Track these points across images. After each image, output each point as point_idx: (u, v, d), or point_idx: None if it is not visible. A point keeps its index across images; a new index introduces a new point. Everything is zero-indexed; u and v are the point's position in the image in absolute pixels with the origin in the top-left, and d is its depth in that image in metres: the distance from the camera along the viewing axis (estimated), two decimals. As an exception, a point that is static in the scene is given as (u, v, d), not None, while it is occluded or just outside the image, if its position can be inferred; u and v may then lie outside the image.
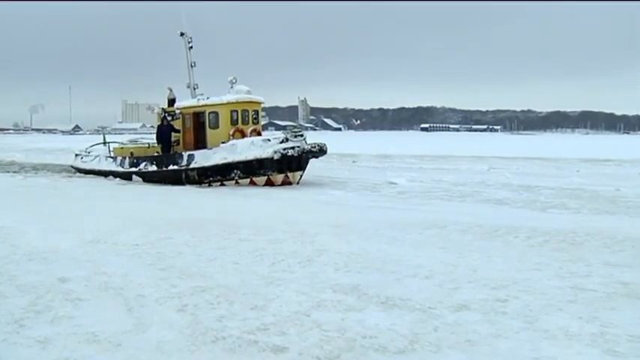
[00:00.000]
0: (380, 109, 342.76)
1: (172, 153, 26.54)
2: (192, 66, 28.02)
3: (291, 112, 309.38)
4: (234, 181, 24.16)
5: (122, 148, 30.86)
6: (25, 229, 12.45)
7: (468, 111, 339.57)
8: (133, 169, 26.94)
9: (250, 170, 23.90)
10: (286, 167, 23.85)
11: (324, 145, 24.74)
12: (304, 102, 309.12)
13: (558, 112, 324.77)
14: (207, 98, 26.51)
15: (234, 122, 25.90)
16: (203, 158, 24.61)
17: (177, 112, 27.39)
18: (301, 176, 24.48)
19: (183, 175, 25.00)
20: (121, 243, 10.89)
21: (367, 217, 14.55)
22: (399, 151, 57.70)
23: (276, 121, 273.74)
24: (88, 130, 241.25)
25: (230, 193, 21.39)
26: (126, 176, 26.92)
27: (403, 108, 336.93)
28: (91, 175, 29.20)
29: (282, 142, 23.72)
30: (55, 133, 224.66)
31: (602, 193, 20.72)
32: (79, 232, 12.01)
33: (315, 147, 24.28)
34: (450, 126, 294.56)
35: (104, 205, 17.38)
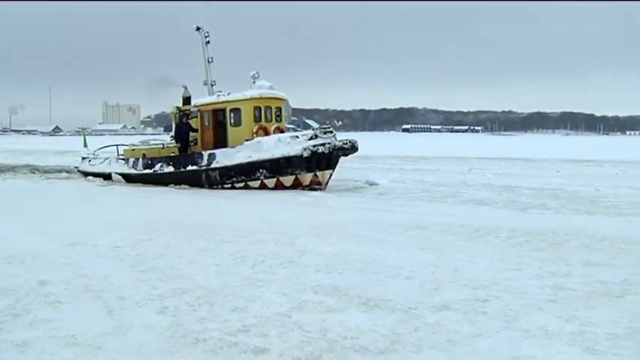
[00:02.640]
0: (361, 110, 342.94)
1: (191, 153, 25.00)
2: (209, 61, 26.62)
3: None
4: (259, 182, 22.51)
5: (133, 149, 28.88)
6: (4, 232, 12.35)
7: (450, 112, 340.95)
8: (148, 171, 25.40)
9: (277, 169, 22.17)
10: (315, 166, 22.06)
11: (356, 141, 23.11)
12: (286, 103, 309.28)
13: (539, 112, 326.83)
14: (228, 94, 25.07)
15: (257, 119, 24.36)
16: (225, 157, 23.02)
17: (195, 109, 25.71)
18: (331, 175, 22.82)
19: (204, 176, 23.45)
20: (102, 245, 10.82)
21: (348, 218, 14.57)
22: (381, 152, 57.77)
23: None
24: (68, 132, 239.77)
25: (211, 194, 21.28)
26: (140, 179, 25.49)
27: (385, 109, 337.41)
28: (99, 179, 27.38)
29: (311, 138, 21.99)
30: (35, 134, 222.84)
31: (582, 194, 20.87)
32: (58, 234, 11.92)
33: (346, 143, 22.55)
34: (432, 127, 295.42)
35: (85, 208, 17.27)
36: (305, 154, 21.43)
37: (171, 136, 28.08)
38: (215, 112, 25.38)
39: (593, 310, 6.90)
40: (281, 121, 25.47)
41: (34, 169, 34.88)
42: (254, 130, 23.68)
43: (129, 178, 26.00)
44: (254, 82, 24.90)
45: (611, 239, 11.39)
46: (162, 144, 28.24)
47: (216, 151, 23.42)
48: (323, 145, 21.56)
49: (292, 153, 21.65)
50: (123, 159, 27.83)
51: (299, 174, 22.10)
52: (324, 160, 22.03)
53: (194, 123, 25.61)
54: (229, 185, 22.87)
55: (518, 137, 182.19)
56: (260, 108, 24.51)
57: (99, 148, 31.38)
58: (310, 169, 22.01)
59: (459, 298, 7.42)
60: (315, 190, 21.85)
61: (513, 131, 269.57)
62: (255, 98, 24.38)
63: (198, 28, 26.50)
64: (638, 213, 16.01)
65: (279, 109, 25.43)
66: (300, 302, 7.24)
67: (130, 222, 13.61)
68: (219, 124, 25.23)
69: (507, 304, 7.13)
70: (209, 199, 19.85)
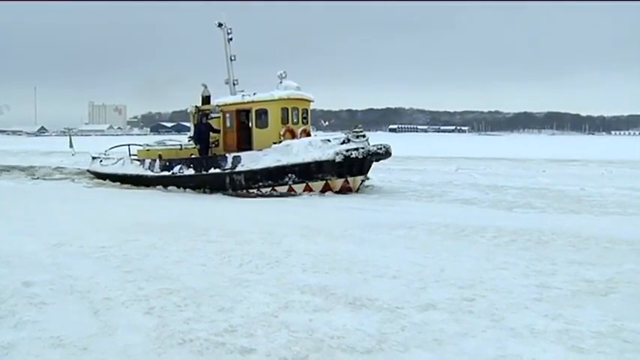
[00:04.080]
0: (348, 111, 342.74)
1: (213, 155, 23.70)
2: (231, 59, 25.30)
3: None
4: (287, 187, 21.40)
5: (148, 150, 27.37)
6: (-11, 233, 12.24)
7: (436, 112, 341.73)
8: (166, 173, 23.97)
9: (307, 174, 21.12)
10: (347, 171, 21.11)
11: (390, 146, 22.04)
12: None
13: (525, 113, 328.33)
14: (254, 94, 23.76)
15: (284, 121, 23.26)
16: (251, 161, 21.79)
17: (217, 109, 24.49)
18: (362, 182, 22.02)
19: (227, 180, 22.17)
20: (87, 246, 10.76)
21: (335, 218, 14.58)
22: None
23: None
24: (54, 132, 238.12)
25: (197, 195, 21.23)
26: (157, 181, 24.08)
27: (372, 109, 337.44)
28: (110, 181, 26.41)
29: (343, 142, 21.20)
30: (20, 134, 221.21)
31: (568, 193, 20.99)
32: (44, 235, 11.85)
33: (381, 148, 21.49)
34: (419, 127, 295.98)
35: (71, 208, 17.18)
36: (337, 159, 20.61)
37: (190, 137, 26.72)
38: (239, 112, 24.19)
39: (579, 309, 6.95)
40: (307, 123, 24.58)
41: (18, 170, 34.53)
42: (281, 133, 22.77)
43: (145, 181, 24.67)
44: (281, 82, 23.84)
45: (596, 238, 11.46)
46: (180, 145, 26.70)
47: (242, 154, 22.32)
48: (356, 149, 20.81)
49: (324, 157, 20.79)
50: (138, 160, 26.51)
51: (330, 179, 21.19)
52: (356, 166, 21.22)
53: (215, 123, 24.48)
54: (255, 190, 21.84)
55: (505, 137, 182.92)
56: (287, 109, 23.53)
57: (110, 148, 30.03)
58: (341, 174, 21.15)
59: (446, 297, 7.44)
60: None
61: (500, 131, 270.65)
62: (284, 99, 23.35)
63: (220, 25, 25.28)
64: (623, 212, 16.15)
65: (305, 110, 24.49)
66: (286, 302, 7.24)
67: (116, 222, 13.55)
68: (242, 126, 24.22)
69: (493, 303, 7.16)
70: (196, 199, 19.81)
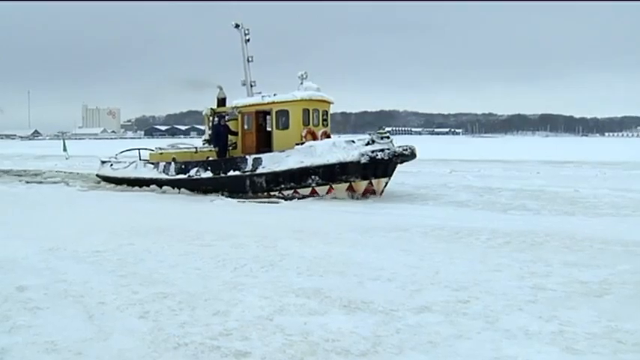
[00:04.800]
0: (342, 113, 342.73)
1: (232, 157, 23.05)
2: (249, 60, 24.72)
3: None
4: (310, 189, 20.82)
5: (161, 153, 26.70)
6: (-18, 238, 12.20)
7: (430, 114, 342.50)
8: (181, 176, 23.30)
9: (331, 176, 20.52)
10: (372, 173, 20.52)
11: (415, 147, 21.34)
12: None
13: (519, 115, 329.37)
14: (274, 95, 23.03)
15: (305, 123, 22.58)
16: (273, 162, 21.22)
17: (235, 111, 23.85)
18: (386, 184, 21.29)
19: (248, 182, 21.57)
20: (82, 250, 10.74)
21: (329, 221, 14.58)
22: (363, 154, 57.64)
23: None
24: (47, 136, 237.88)
25: (192, 199, 21.16)
26: (172, 185, 23.32)
27: (366, 112, 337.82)
28: (122, 185, 25.62)
29: (367, 144, 20.47)
30: (14, 138, 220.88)
31: (562, 194, 21.01)
32: (38, 239, 11.82)
33: (406, 150, 20.77)
34: (413, 129, 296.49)
35: (64, 212, 17.13)
36: (363, 160, 19.95)
37: (205, 140, 26.12)
38: (259, 114, 23.61)
39: (573, 310, 6.97)
40: (327, 125, 23.95)
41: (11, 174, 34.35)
42: (303, 135, 22.16)
43: (159, 184, 23.96)
44: (301, 83, 23.19)
45: (590, 240, 11.51)
46: (196, 148, 25.77)
47: (263, 156, 21.69)
48: (382, 150, 20.13)
49: (348, 159, 20.12)
50: (152, 163, 25.61)
51: (354, 181, 20.57)
52: (381, 167, 20.57)
53: (231, 125, 23.96)
54: (276, 192, 21.27)
55: (499, 139, 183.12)
56: (309, 111, 22.87)
57: (120, 152, 29.50)
58: (366, 176, 20.55)
59: (440, 299, 7.46)
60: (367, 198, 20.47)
61: (494, 133, 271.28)
62: (305, 100, 22.69)
63: (237, 25, 24.72)
64: (616, 213, 16.17)
65: (325, 112, 23.89)
66: (281, 305, 7.24)
67: (110, 226, 13.52)
68: (261, 127, 23.69)
69: (488, 305, 7.18)
70: (190, 203, 19.76)
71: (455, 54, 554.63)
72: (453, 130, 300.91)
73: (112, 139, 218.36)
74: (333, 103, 24.20)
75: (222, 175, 22.22)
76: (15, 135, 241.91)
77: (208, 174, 22.60)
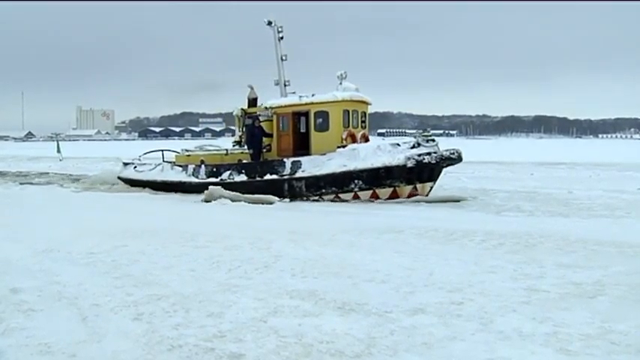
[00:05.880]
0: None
1: (269, 160, 22.30)
2: (282, 59, 24.03)
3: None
4: (352, 194, 20.22)
5: (189, 155, 25.57)
6: (-25, 239, 12.16)
7: (425, 116, 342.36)
8: (213, 180, 22.12)
9: (375, 181, 19.91)
10: (417, 177, 19.99)
11: (461, 151, 20.96)
12: (261, 108, 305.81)
13: (513, 116, 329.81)
14: (312, 95, 22.35)
15: (345, 124, 21.92)
16: (313, 166, 20.52)
17: (270, 112, 23.03)
18: (432, 188, 20.65)
19: (286, 187, 20.81)
20: (76, 252, 10.70)
21: (324, 223, 14.59)
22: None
23: (233, 127, 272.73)
24: (41, 137, 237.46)
25: (186, 200, 21.10)
26: (202, 189, 21.43)
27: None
28: (142, 188, 24.70)
29: (413, 147, 20.03)
30: (7, 140, 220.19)
31: (556, 196, 21.10)
32: (31, 241, 11.78)
33: (453, 153, 20.37)
34: (407, 131, 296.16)
35: (58, 214, 17.08)
36: (409, 164, 19.46)
37: (235, 141, 25.37)
38: (296, 115, 22.84)
39: (567, 311, 6.98)
40: (365, 127, 23.37)
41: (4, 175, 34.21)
42: (343, 137, 21.55)
43: (189, 188, 22.84)
44: (340, 83, 22.50)
45: (584, 241, 11.54)
46: (226, 150, 24.70)
47: (302, 159, 21.02)
48: (428, 154, 19.69)
49: (394, 163, 19.62)
50: (180, 166, 24.51)
51: (398, 186, 20.05)
52: (426, 172, 20.08)
53: (265, 126, 23.10)
54: (316, 197, 20.69)
55: (493, 141, 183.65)
56: (349, 112, 22.23)
57: (144, 153, 28.40)
58: (411, 180, 20.01)
59: (434, 301, 7.46)
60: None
61: (488, 135, 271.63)
62: (346, 101, 22.05)
63: (269, 23, 24.04)
64: (610, 214, 16.25)
65: (364, 114, 23.35)
66: (275, 307, 7.24)
67: (104, 228, 13.49)
68: (300, 129, 22.98)
69: (482, 307, 7.18)
70: (184, 204, 19.72)
71: (449, 55, 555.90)
72: (447, 131, 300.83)
73: (106, 140, 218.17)
74: (371, 104, 23.68)
75: (258, 178, 21.39)
76: (8, 136, 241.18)
77: (242, 177, 21.76)
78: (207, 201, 19.70)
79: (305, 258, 10.06)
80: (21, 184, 29.47)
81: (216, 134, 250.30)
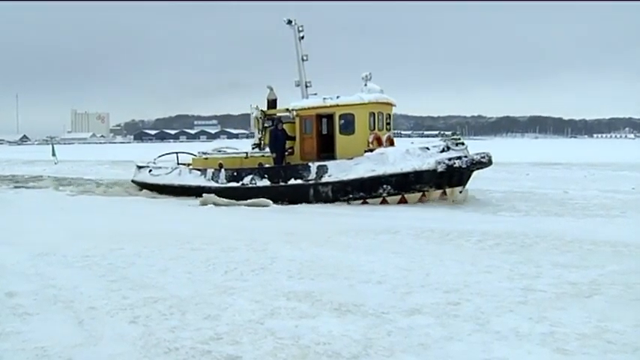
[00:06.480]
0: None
1: (293, 164, 21.47)
2: (303, 59, 23.20)
3: (243, 120, 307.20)
4: (380, 199, 19.57)
5: (206, 158, 24.50)
6: (-30, 243, 12.12)
7: (420, 117, 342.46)
8: (234, 184, 21.53)
9: (404, 185, 19.34)
10: (447, 182, 19.59)
11: (491, 154, 20.54)
12: (257, 110, 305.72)
13: (508, 117, 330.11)
14: (337, 97, 21.58)
15: (371, 127, 21.30)
16: (340, 170, 19.87)
17: (293, 114, 22.23)
18: (460, 192, 20.20)
19: (312, 192, 20.12)
20: (71, 255, 10.69)
21: (320, 224, 14.59)
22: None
23: (228, 129, 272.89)
24: (36, 141, 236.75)
25: (182, 203, 21.04)
26: (223, 193, 20.84)
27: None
28: (156, 193, 23.93)
29: (442, 150, 19.57)
30: (2, 143, 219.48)
31: (551, 196, 21.13)
32: (27, 244, 11.75)
33: (484, 157, 19.94)
34: (402, 132, 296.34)
35: (54, 217, 17.03)
36: (439, 169, 18.94)
37: (254, 144, 24.25)
38: (320, 117, 22.06)
39: (563, 311, 7.00)
40: (390, 129, 22.71)
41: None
42: (370, 140, 20.74)
43: (207, 193, 21.37)
44: (365, 85, 21.80)
45: (579, 241, 11.57)
46: (246, 153, 23.67)
47: (328, 163, 20.29)
48: (459, 158, 19.19)
49: (424, 167, 19.08)
50: (198, 169, 23.50)
51: (427, 190, 19.53)
52: (456, 176, 19.64)
53: (289, 129, 22.36)
54: (343, 203, 19.86)
55: (488, 141, 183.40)
56: (374, 114, 21.53)
57: (159, 156, 27.11)
58: (440, 185, 19.59)
59: (431, 301, 7.47)
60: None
61: (483, 135, 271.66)
62: (372, 103, 21.36)
63: (289, 22, 23.23)
64: (605, 214, 16.28)
65: (389, 115, 22.68)
66: (272, 309, 7.23)
67: (100, 231, 13.47)
68: (324, 131, 22.25)
69: (478, 307, 7.19)
70: (180, 208, 19.68)
71: (444, 56, 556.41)
72: (442, 132, 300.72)
73: (101, 143, 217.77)
74: (396, 105, 23.18)
75: (282, 183, 20.72)
76: (3, 140, 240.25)
77: (265, 182, 21.06)
78: (203, 204, 19.67)
79: (301, 259, 10.07)
80: (16, 187, 29.32)
81: (212, 136, 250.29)
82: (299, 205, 19.29)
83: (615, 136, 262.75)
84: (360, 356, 5.73)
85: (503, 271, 9.11)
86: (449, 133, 22.26)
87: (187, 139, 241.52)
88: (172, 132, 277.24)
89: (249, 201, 19.45)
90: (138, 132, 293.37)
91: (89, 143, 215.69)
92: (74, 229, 14.08)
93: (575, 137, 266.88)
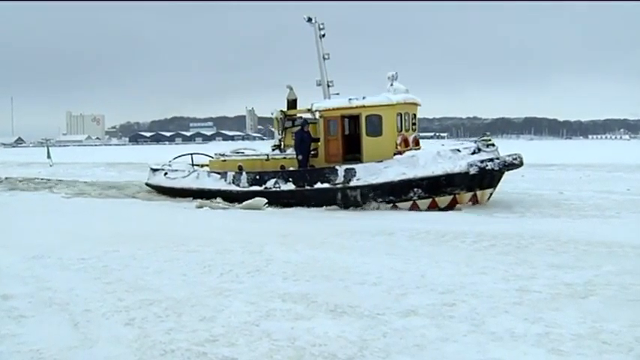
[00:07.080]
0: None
1: (319, 167, 20.71)
2: (324, 58, 22.63)
3: (239, 122, 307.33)
4: (410, 202, 18.90)
5: (224, 160, 23.75)
6: (-35, 246, 12.09)
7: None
8: (256, 188, 20.75)
9: (435, 189, 18.77)
10: (478, 184, 19.10)
11: (522, 156, 20.17)
12: (252, 112, 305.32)
13: (503, 118, 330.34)
14: (363, 98, 20.84)
15: (399, 129, 20.60)
16: (369, 174, 19.15)
17: (317, 114, 21.59)
18: (491, 194, 19.84)
19: (339, 196, 19.40)
20: (66, 257, 10.67)
21: (315, 226, 14.59)
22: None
23: (224, 131, 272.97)
24: (31, 143, 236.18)
25: (177, 205, 21.01)
26: (245, 197, 20.21)
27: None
28: (172, 196, 23.19)
29: (473, 152, 19.02)
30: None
31: (547, 197, 21.16)
32: (22, 247, 11.72)
33: (516, 159, 19.62)
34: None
35: (49, 219, 16.97)
36: (472, 171, 18.37)
37: (274, 145, 23.67)
38: (346, 118, 21.41)
39: (558, 312, 7.01)
40: (416, 130, 22.08)
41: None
42: (398, 142, 20.18)
43: (229, 197, 21.11)
44: (391, 85, 21.09)
45: (575, 242, 11.58)
46: (267, 155, 22.96)
47: (356, 167, 19.58)
48: (491, 160, 18.71)
49: (456, 170, 18.49)
50: (217, 172, 22.66)
51: (458, 193, 19.00)
52: (487, 178, 19.14)
53: (312, 130, 21.67)
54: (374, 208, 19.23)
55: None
56: (401, 115, 20.77)
57: (174, 158, 26.52)
58: (471, 187, 19.08)
59: (426, 302, 7.48)
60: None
61: (478, 137, 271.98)
62: (401, 104, 20.63)
63: (309, 19, 22.67)
64: (600, 215, 16.30)
65: (414, 116, 21.94)
66: (267, 310, 7.24)
67: (95, 233, 13.45)
68: (350, 133, 21.67)
69: (474, 308, 7.20)
70: (175, 209, 19.65)
71: (439, 58, 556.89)
72: (437, 134, 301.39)
73: (96, 145, 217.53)
74: (421, 105, 22.39)
75: (308, 187, 20.03)
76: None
77: (290, 186, 20.35)
78: (199, 207, 19.68)
79: (296, 261, 10.07)
80: (11, 189, 29.22)
81: (207, 138, 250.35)
82: (294, 207, 19.19)
83: (610, 138, 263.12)
84: (355, 357, 5.74)
85: (499, 272, 9.13)
86: (488, 134, 21.68)
87: (183, 141, 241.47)
88: (168, 134, 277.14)
89: (244, 203, 19.38)
90: (133, 134, 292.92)
91: (84, 145, 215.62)
92: (69, 231, 14.05)
93: (570, 138, 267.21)
